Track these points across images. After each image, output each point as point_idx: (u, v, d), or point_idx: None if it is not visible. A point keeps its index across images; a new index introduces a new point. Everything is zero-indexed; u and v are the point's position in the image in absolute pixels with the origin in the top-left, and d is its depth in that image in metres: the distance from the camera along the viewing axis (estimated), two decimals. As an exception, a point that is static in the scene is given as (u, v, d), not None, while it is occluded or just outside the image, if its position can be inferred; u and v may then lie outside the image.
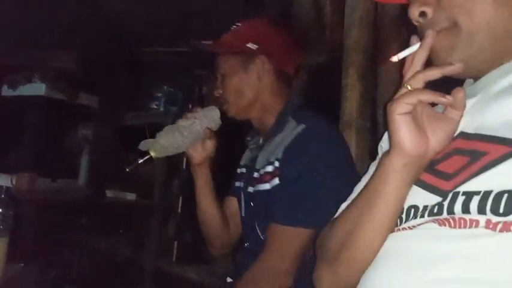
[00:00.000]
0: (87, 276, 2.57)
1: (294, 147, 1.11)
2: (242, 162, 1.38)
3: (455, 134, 0.66)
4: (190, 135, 1.20)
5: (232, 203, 1.37)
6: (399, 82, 1.32)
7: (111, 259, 2.72)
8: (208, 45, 1.26)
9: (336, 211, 0.81)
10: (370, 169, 0.79)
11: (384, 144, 0.83)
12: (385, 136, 0.83)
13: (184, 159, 2.58)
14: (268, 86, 1.23)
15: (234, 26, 1.26)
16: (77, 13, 2.97)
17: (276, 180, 1.12)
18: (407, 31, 1.58)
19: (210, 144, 1.24)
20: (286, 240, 1.06)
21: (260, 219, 1.17)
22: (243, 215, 1.27)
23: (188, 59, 3.08)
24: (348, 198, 0.79)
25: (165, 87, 3.00)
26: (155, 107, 3.02)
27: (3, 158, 2.70)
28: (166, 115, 2.84)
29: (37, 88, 2.62)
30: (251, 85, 1.22)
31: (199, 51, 3.06)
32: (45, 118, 2.64)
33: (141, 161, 1.16)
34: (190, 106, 2.74)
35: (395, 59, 0.71)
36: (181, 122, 1.21)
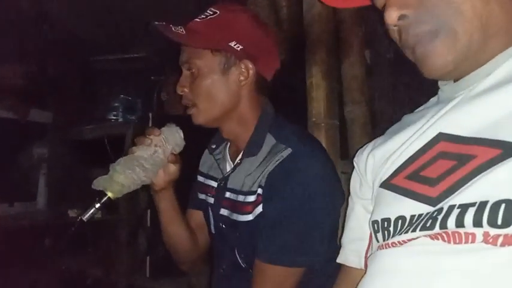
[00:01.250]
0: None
1: (280, 176, 0.99)
2: (204, 170, 1.25)
3: (434, 135, 0.63)
4: (153, 167, 1.03)
5: (195, 215, 1.28)
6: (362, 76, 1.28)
7: (82, 280, 2.61)
8: (180, 34, 1.02)
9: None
10: (350, 203, 0.80)
11: (357, 160, 0.81)
12: (360, 152, 0.81)
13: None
14: (247, 94, 1.08)
15: (209, 12, 1.06)
16: (21, 25, 2.82)
17: (259, 209, 1.02)
18: (367, 24, 1.56)
19: (174, 168, 1.10)
20: (279, 280, 0.98)
21: (241, 247, 1.08)
22: (213, 232, 1.19)
23: (144, 64, 2.98)
24: (344, 228, 0.78)
25: (122, 96, 2.88)
26: (113, 117, 2.89)
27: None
28: (126, 125, 2.72)
29: (-16, 109, 2.46)
30: (229, 91, 1.06)
31: (154, 56, 3.01)
32: (-4, 140, 2.48)
33: (98, 205, 1.01)
34: (150, 114, 2.65)
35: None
36: (140, 152, 1.03)
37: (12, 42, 2.89)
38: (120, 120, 2.83)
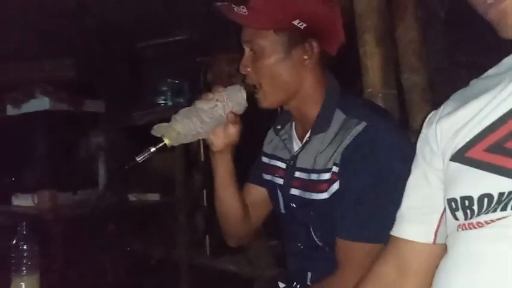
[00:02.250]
0: (125, 280, 2.58)
1: (357, 151, 0.96)
2: (268, 151, 1.23)
3: None
4: (211, 121, 1.02)
5: (254, 191, 1.25)
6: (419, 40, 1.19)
7: (146, 260, 2.71)
8: (242, 16, 0.99)
9: None
10: (417, 169, 0.76)
11: (425, 130, 0.75)
12: (428, 121, 0.75)
13: (202, 151, 2.53)
14: (312, 72, 1.04)
15: None
16: (66, 19, 2.89)
17: (335, 186, 0.99)
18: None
19: (234, 130, 1.07)
20: (363, 256, 0.96)
21: (316, 226, 1.06)
22: (283, 211, 1.17)
23: (187, 46, 2.99)
24: (404, 199, 0.73)
25: (169, 80, 2.91)
26: (162, 102, 2.94)
27: (21, 178, 2.67)
28: (175, 109, 2.75)
29: (41, 103, 2.57)
30: (293, 72, 1.02)
31: (197, 37, 3.01)
32: (55, 132, 2.60)
33: (153, 149, 0.98)
34: (198, 97, 2.67)
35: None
36: (201, 105, 1.02)
37: (58, 36, 2.98)
38: (170, 104, 2.87)
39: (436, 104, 1.48)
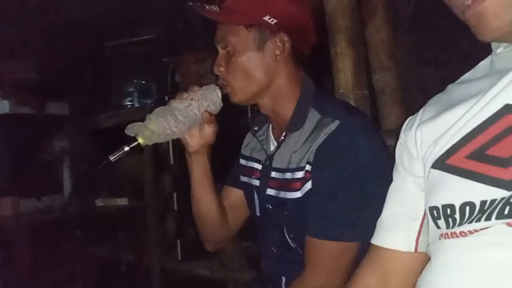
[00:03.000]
0: (94, 287, 2.50)
1: (328, 149, 0.96)
2: (246, 153, 1.22)
3: (499, 107, 0.56)
4: (186, 120, 1.02)
5: (232, 194, 1.24)
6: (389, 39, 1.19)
7: (116, 266, 2.64)
8: (213, 12, 1.02)
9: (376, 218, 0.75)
10: (397, 176, 0.75)
11: (404, 135, 0.74)
12: (406, 126, 0.74)
13: (171, 153, 2.48)
14: (285, 69, 1.05)
15: None
16: (28, 18, 2.77)
17: (308, 185, 0.98)
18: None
19: (210, 130, 1.07)
20: (333, 256, 0.95)
21: (290, 227, 1.05)
22: (258, 214, 1.16)
23: (154, 46, 2.92)
24: (384, 207, 0.71)
25: (136, 80, 2.84)
26: (129, 103, 2.87)
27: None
28: (143, 110, 2.69)
29: (0, 106, 2.45)
30: (265, 67, 1.03)
31: (163, 37, 2.95)
32: (16, 136, 2.49)
33: (127, 148, 0.98)
34: (166, 98, 2.61)
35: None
36: (175, 104, 1.02)
37: (19, 36, 2.86)
38: (137, 105, 2.80)
39: (407, 104, 1.49)
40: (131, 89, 2.84)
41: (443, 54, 1.91)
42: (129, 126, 1.00)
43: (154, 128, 0.99)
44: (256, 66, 1.03)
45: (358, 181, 0.94)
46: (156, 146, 2.34)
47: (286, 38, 1.02)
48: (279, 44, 1.03)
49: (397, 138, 0.78)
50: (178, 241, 2.46)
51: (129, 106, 2.84)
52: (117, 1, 2.90)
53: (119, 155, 0.98)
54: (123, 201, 2.68)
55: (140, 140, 0.98)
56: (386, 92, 1.34)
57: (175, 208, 2.51)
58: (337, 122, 0.97)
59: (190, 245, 2.49)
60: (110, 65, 2.96)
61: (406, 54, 1.83)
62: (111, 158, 0.97)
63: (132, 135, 0.99)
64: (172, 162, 2.50)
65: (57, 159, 2.62)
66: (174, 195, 2.50)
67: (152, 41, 2.84)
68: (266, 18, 1.00)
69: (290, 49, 1.03)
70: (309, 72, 1.11)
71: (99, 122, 2.77)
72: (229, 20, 1.03)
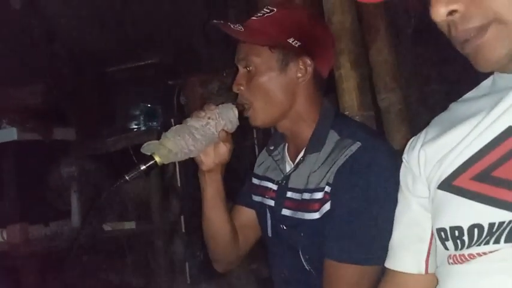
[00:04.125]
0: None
1: (350, 170, 0.95)
2: (259, 172, 1.21)
3: (503, 129, 0.57)
4: (203, 139, 1.00)
5: (243, 213, 1.23)
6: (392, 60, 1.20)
7: (125, 291, 2.63)
8: (239, 32, 1.01)
9: None
10: (402, 199, 0.76)
11: (406, 156, 0.74)
12: (409, 147, 0.74)
13: (178, 176, 2.49)
14: (305, 91, 1.04)
15: (266, 10, 1.04)
16: (33, 45, 2.82)
17: (327, 206, 0.97)
18: (389, 8, 1.50)
19: (225, 149, 1.06)
20: (353, 280, 0.93)
21: (306, 248, 1.03)
22: (270, 235, 1.15)
23: (159, 70, 2.96)
24: (393, 230, 0.72)
25: (142, 104, 2.86)
26: (135, 126, 2.89)
27: (-12, 212, 2.56)
28: (149, 133, 2.71)
29: (8, 133, 2.48)
30: (286, 89, 1.03)
31: (168, 60, 2.98)
32: (24, 162, 2.50)
33: (143, 167, 0.95)
34: (172, 120, 2.63)
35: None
36: (193, 122, 1.01)
37: (25, 63, 2.90)
38: (143, 128, 2.81)
39: (412, 121, 1.50)
40: (137, 113, 2.86)
41: (447, 71, 1.92)
42: (145, 144, 0.99)
43: (172, 147, 0.97)
44: (278, 87, 1.03)
45: (379, 203, 0.92)
46: (162, 168, 2.35)
47: (309, 62, 1.02)
48: (301, 67, 1.03)
49: (403, 150, 0.79)
50: (187, 264, 2.46)
51: (135, 129, 2.86)
52: (121, 26, 2.95)
53: (136, 174, 0.96)
54: (130, 225, 2.67)
55: (157, 159, 0.96)
56: (392, 112, 1.35)
57: (183, 231, 2.51)
58: (358, 144, 0.96)
59: (199, 267, 2.48)
60: (115, 89, 2.99)
61: (409, 72, 1.85)
62: (127, 177, 0.96)
63: (149, 153, 0.97)
64: (179, 184, 2.51)
65: (64, 185, 2.63)
66: (182, 217, 2.51)
67: (157, 65, 2.88)
68: (290, 40, 1.01)
69: (312, 72, 1.03)
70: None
71: (106, 146, 2.78)
72: (255, 40, 1.03)
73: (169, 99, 2.70)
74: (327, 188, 0.97)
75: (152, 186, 2.58)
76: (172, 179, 2.51)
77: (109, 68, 2.97)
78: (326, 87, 1.13)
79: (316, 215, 0.99)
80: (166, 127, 2.69)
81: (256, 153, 2.28)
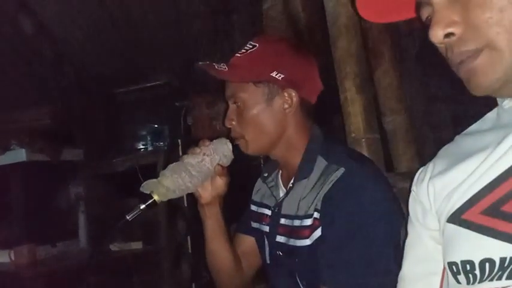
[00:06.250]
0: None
1: (335, 196, 0.97)
2: (257, 199, 1.24)
3: (510, 165, 0.58)
4: (199, 175, 1.05)
5: (245, 241, 1.25)
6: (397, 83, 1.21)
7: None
8: (223, 71, 1.06)
9: (393, 263, 0.76)
10: (412, 230, 0.76)
11: (415, 188, 0.75)
12: (418, 180, 0.75)
13: (185, 197, 2.49)
14: (293, 120, 1.08)
15: (249, 46, 1.08)
16: (42, 68, 2.87)
17: (317, 233, 0.99)
18: (395, 30, 1.52)
19: (221, 182, 1.10)
20: None
21: (302, 274, 1.04)
22: (268, 262, 1.16)
23: (166, 91, 3.00)
24: (403, 262, 0.72)
25: (149, 124, 2.90)
26: (142, 147, 2.92)
27: (-3, 233, 2.57)
28: (156, 153, 2.74)
29: (17, 155, 2.51)
30: (275, 120, 1.07)
31: (175, 82, 3.02)
32: (33, 183, 2.52)
33: (143, 206, 1.00)
34: (178, 141, 2.65)
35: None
36: (188, 159, 1.05)
37: (34, 85, 2.95)
38: (150, 148, 2.84)
39: (418, 141, 1.51)
40: (144, 133, 2.90)
41: (452, 90, 1.94)
42: (144, 183, 1.02)
43: (169, 185, 1.01)
44: (267, 119, 1.06)
45: (365, 228, 0.94)
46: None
47: (293, 93, 1.06)
48: (287, 98, 1.06)
49: (411, 181, 0.79)
50: (193, 284, 2.45)
51: (142, 150, 2.89)
52: (128, 49, 3.00)
53: (136, 213, 1.00)
54: (137, 245, 2.68)
55: (156, 197, 1.00)
56: (398, 134, 1.37)
57: (190, 251, 2.50)
58: (342, 170, 0.98)
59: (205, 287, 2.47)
60: (123, 110, 3.03)
61: (414, 92, 1.86)
62: (128, 218, 1.00)
63: (148, 192, 1.01)
64: (185, 205, 2.51)
65: (72, 205, 2.65)
66: (188, 238, 2.51)
67: (164, 86, 2.92)
68: (273, 74, 1.04)
69: (298, 102, 1.06)
70: (319, 113, 1.15)
71: (113, 166, 2.80)
72: (237, 79, 1.07)
73: (176, 120, 2.73)
74: (316, 214, 0.99)
75: (159, 207, 2.57)
76: (179, 200, 2.52)
77: (116, 90, 3.01)
78: (332, 109, 1.15)
79: (307, 242, 1.00)
80: (173, 147, 2.70)
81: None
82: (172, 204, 2.56)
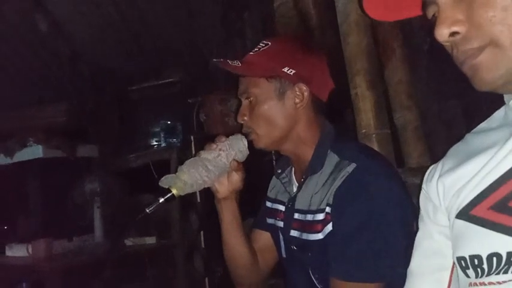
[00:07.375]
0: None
1: (346, 191, 0.99)
2: (272, 195, 1.27)
3: None
4: (215, 169, 1.08)
5: (261, 237, 1.28)
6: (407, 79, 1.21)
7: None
8: (237, 67, 1.09)
9: (403, 257, 0.77)
10: (423, 226, 0.77)
11: (426, 186, 0.77)
12: (428, 177, 0.76)
13: (198, 192, 2.52)
14: (305, 116, 1.10)
15: (262, 45, 1.12)
16: (58, 66, 2.92)
17: (329, 227, 1.01)
18: (405, 26, 1.53)
19: (237, 177, 1.13)
20: None
21: (314, 268, 1.07)
22: (284, 256, 1.19)
23: (179, 88, 3.03)
24: (413, 256, 0.73)
25: (162, 121, 2.93)
26: (156, 143, 2.95)
27: (14, 228, 2.64)
28: (169, 149, 2.77)
29: (34, 151, 2.57)
30: (286, 115, 1.09)
31: (187, 79, 3.05)
32: (49, 179, 2.59)
33: (162, 200, 1.03)
34: (191, 137, 2.68)
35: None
36: (205, 155, 1.08)
37: (50, 82, 3.00)
38: (163, 145, 2.88)
39: (429, 138, 1.51)
40: (157, 130, 2.93)
41: (463, 86, 1.94)
42: (162, 178, 1.05)
43: (187, 179, 1.04)
44: (278, 114, 1.09)
45: (376, 222, 0.95)
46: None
47: (304, 88, 1.08)
48: (298, 93, 1.08)
49: (422, 175, 0.80)
50: (206, 279, 2.48)
51: (155, 146, 2.92)
52: (142, 46, 3.04)
53: (155, 207, 1.03)
54: (151, 240, 2.72)
55: (174, 192, 1.03)
56: (408, 130, 1.37)
57: (203, 246, 2.54)
58: (353, 165, 1.00)
59: (218, 282, 2.51)
60: (136, 107, 3.07)
61: (425, 88, 1.86)
62: (148, 211, 1.03)
63: (166, 187, 1.04)
64: (198, 200, 2.55)
65: (87, 200, 2.69)
66: (201, 233, 2.54)
67: (177, 83, 2.95)
68: (285, 69, 1.07)
69: (309, 97, 1.08)
70: (331, 108, 1.16)
71: (127, 163, 2.85)
72: (251, 73, 1.10)
73: (189, 117, 2.76)
74: (328, 209, 1.01)
75: (173, 203, 2.61)
76: (192, 195, 2.55)
77: (130, 87, 3.06)
78: (342, 105, 1.16)
79: (320, 236, 1.02)
80: (186, 144, 2.74)
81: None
82: (186, 200, 2.60)
